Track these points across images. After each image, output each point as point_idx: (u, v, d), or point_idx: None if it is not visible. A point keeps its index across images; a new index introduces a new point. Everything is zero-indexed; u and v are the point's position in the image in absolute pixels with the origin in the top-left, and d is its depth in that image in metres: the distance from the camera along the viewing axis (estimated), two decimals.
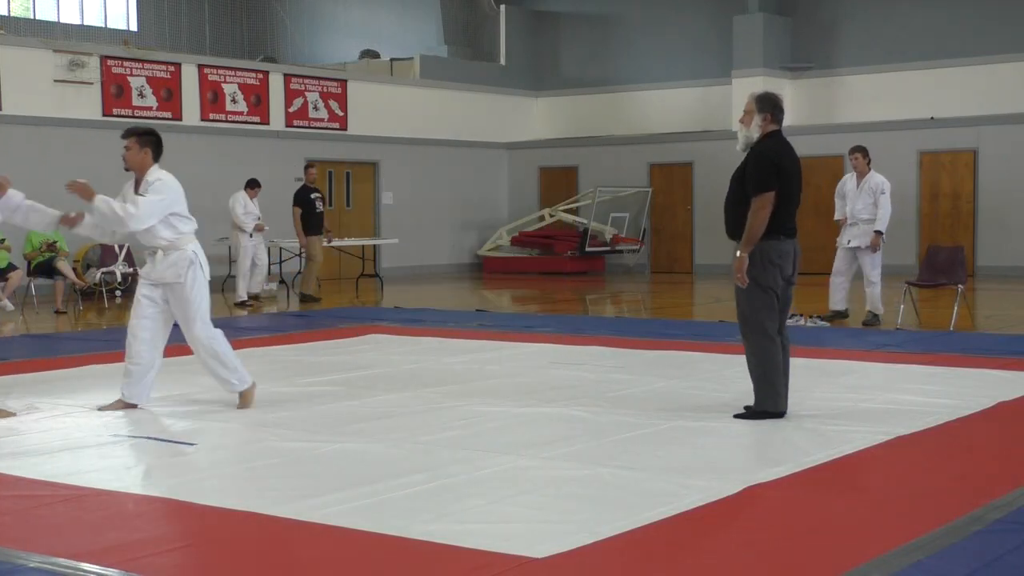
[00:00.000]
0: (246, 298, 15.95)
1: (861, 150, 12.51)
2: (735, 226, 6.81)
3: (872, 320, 12.19)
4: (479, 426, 6.80)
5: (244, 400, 7.47)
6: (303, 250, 16.75)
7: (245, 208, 16.40)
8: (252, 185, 16.58)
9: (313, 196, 16.35)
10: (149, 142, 7.40)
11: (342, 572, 4.23)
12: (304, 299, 16.20)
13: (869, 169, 12.46)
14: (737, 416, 6.84)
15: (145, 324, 7.48)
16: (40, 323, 13.25)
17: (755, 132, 6.80)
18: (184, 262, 7.36)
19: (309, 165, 17.02)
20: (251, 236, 16.36)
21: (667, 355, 9.86)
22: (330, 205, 21.60)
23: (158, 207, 7.30)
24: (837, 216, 12.58)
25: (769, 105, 6.82)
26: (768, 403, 6.80)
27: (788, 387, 6.90)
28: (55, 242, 15.04)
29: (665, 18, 23.57)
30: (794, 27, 22.28)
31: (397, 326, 12.51)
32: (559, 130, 24.81)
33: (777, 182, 6.67)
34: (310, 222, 16.27)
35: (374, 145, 22.10)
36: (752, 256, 6.67)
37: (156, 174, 7.37)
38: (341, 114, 21.74)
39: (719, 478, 5.36)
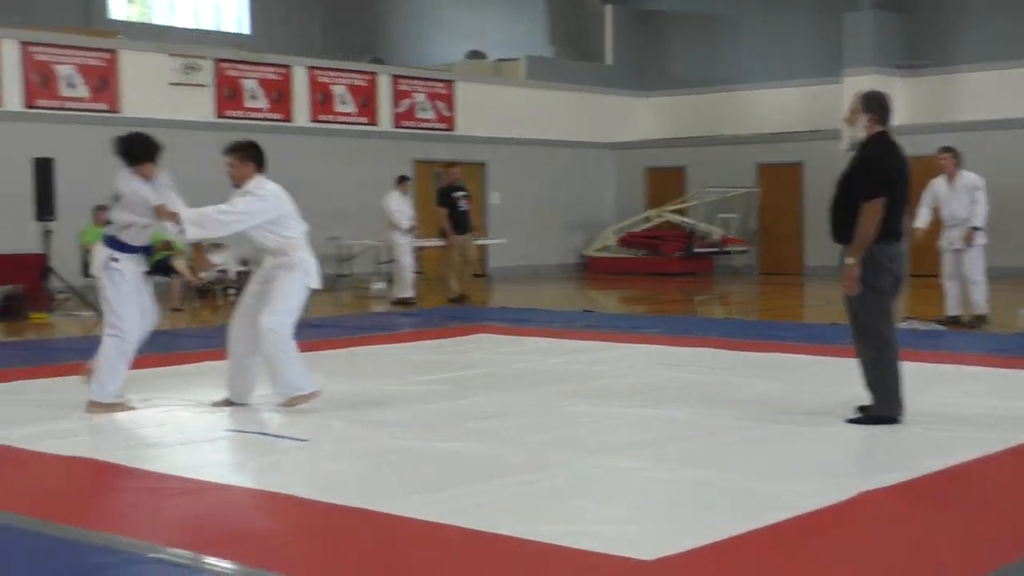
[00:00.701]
0: (410, 295, 15.64)
1: (951, 150, 12.21)
2: (840, 230, 6.68)
3: (976, 322, 11.90)
4: (586, 427, 6.80)
5: (289, 402, 7.34)
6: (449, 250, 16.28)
7: (399, 208, 15.98)
8: (401, 180, 16.29)
9: (456, 195, 16.04)
10: (250, 155, 7.48)
11: (450, 570, 4.26)
12: (454, 300, 15.71)
13: (958, 169, 12.12)
14: (850, 420, 6.71)
15: (241, 321, 7.58)
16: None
17: (860, 132, 6.66)
18: (287, 266, 7.44)
19: (451, 164, 16.71)
20: (404, 235, 15.90)
21: (776, 358, 9.74)
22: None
23: (251, 210, 7.32)
24: (919, 223, 12.01)
25: (876, 105, 6.66)
26: (885, 408, 6.65)
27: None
28: (170, 241, 15.39)
29: (773, 16, 23.29)
30: (907, 23, 21.83)
31: (504, 326, 12.56)
32: (666, 130, 24.66)
33: (886, 188, 6.53)
34: (457, 221, 15.94)
35: (481, 145, 22.20)
36: (864, 261, 6.53)
37: (257, 182, 7.44)
38: (448, 114, 21.90)
39: (829, 483, 5.28)
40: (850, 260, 6.53)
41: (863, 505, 5.00)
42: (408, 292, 15.70)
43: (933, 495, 5.27)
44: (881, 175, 6.54)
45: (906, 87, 21.46)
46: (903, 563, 4.26)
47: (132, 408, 7.39)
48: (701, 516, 4.79)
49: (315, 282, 7.55)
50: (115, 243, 7.38)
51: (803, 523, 4.72)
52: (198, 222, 7.20)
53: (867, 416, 6.70)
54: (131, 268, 7.40)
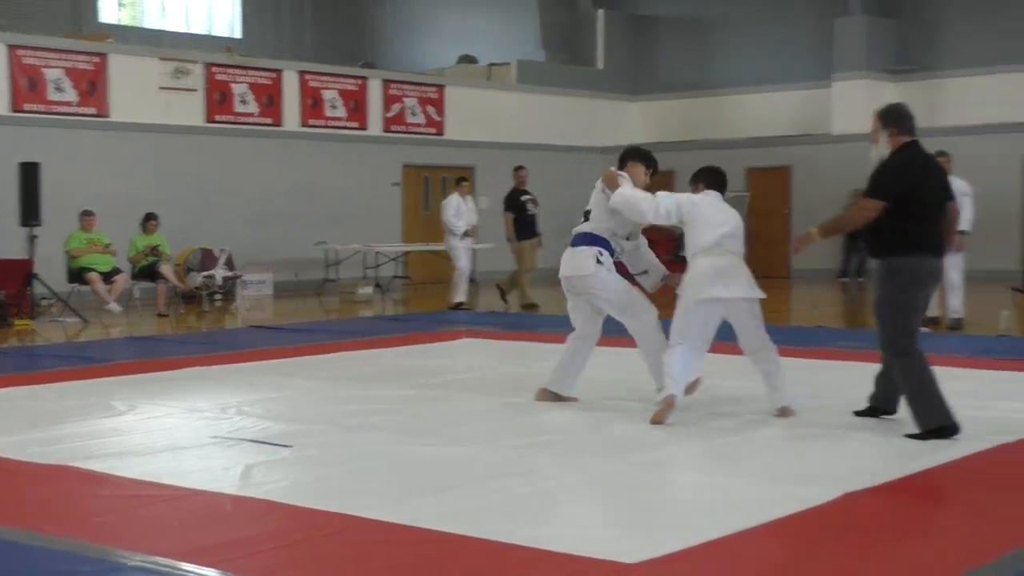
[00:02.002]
0: (463, 300, 15.37)
1: (945, 155, 12.29)
2: (874, 245, 6.57)
3: (956, 324, 11.96)
4: (574, 431, 6.78)
5: (657, 415, 7.01)
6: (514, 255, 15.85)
7: (457, 211, 15.55)
8: (459, 183, 15.93)
9: (524, 199, 15.66)
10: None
11: (435, 575, 4.24)
12: (526, 307, 15.29)
13: (950, 173, 12.20)
14: (909, 436, 6.35)
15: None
16: (143, 325, 13.53)
17: (884, 148, 6.53)
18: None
19: (519, 168, 16.20)
20: (461, 238, 15.60)
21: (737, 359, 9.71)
22: (426, 210, 21.77)
23: (669, 204, 7.60)
24: None
25: (893, 118, 6.56)
26: (932, 419, 6.31)
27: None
28: (157, 246, 15.36)
29: (764, 21, 23.32)
30: (898, 29, 21.87)
31: (492, 330, 12.54)
32: (656, 134, 24.66)
33: (893, 194, 6.37)
34: (523, 226, 15.55)
35: (471, 150, 22.19)
36: (899, 274, 6.38)
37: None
38: (438, 119, 21.89)
39: (815, 485, 5.28)
40: (812, 229, 6.66)
41: (848, 506, 5.00)
42: (461, 296, 15.36)
43: (916, 496, 5.27)
44: (885, 179, 6.45)
45: (896, 92, 21.47)
46: (883, 564, 4.25)
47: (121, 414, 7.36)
48: (684, 519, 4.78)
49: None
50: None
51: (785, 525, 4.72)
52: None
53: (923, 433, 6.35)
54: None
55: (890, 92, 21.26)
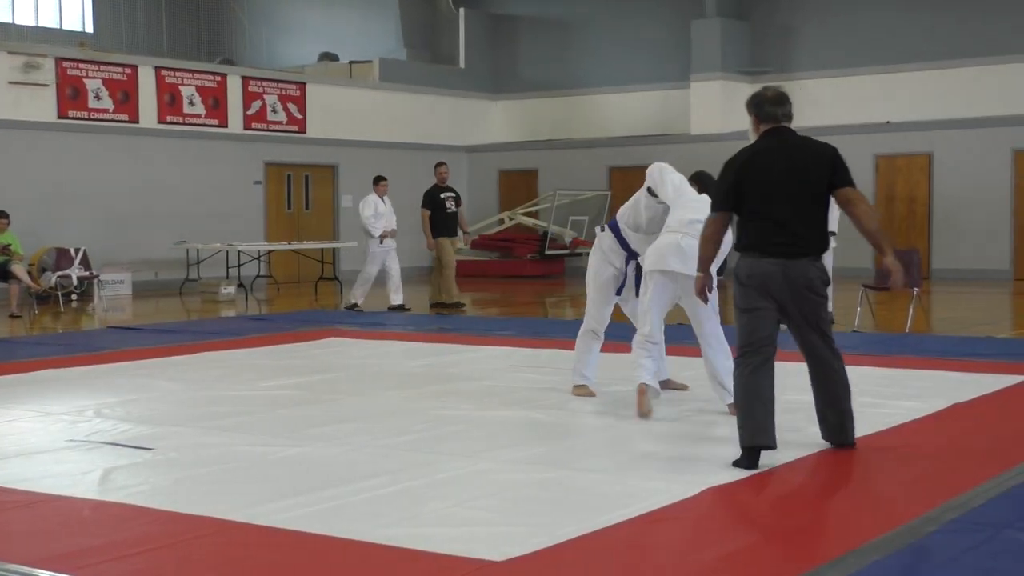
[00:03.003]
0: (359, 302, 14.79)
1: None
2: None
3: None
4: (440, 429, 6.79)
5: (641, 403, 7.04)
6: (433, 254, 15.56)
7: (376, 210, 14.96)
8: (377, 181, 15.30)
9: (444, 196, 15.23)
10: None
11: None
12: (442, 306, 15.03)
13: None
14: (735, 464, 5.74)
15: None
16: None
17: (752, 138, 6.12)
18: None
19: (439, 163, 15.78)
20: (381, 242, 14.91)
21: (623, 357, 9.86)
22: (288, 208, 21.54)
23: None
24: None
25: (752, 106, 6.09)
26: (743, 437, 5.75)
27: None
28: (8, 245, 14.88)
29: (623, 22, 23.64)
30: (751, 31, 22.42)
31: (356, 329, 12.47)
32: (518, 133, 24.82)
33: (729, 200, 5.90)
34: (441, 224, 15.18)
35: (333, 148, 22.02)
36: (735, 277, 5.92)
37: None
38: (300, 117, 21.66)
39: (678, 480, 5.38)
40: (698, 274, 6.10)
41: (709, 500, 5.10)
42: (359, 298, 14.84)
43: (777, 489, 5.40)
44: (719, 184, 6.04)
45: (751, 92, 21.97)
46: (748, 553, 4.36)
47: None
48: (551, 516, 4.82)
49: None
50: None
51: (650, 519, 4.80)
52: None
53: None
54: None
55: (745, 93, 21.46)
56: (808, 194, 5.85)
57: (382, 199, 15.12)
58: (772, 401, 5.80)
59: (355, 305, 14.88)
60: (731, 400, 6.80)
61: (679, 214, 7.31)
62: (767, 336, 5.85)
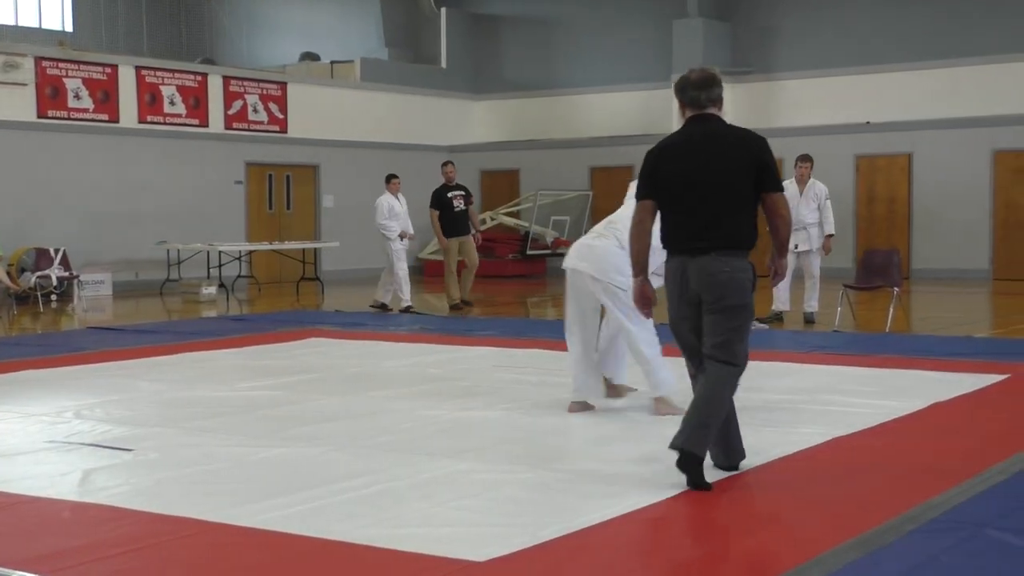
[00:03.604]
0: (409, 300, 14.62)
1: (810, 160, 12.90)
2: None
3: (812, 318, 12.47)
4: (420, 430, 6.78)
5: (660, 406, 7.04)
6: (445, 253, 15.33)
7: (391, 210, 14.79)
8: (389, 180, 15.12)
9: (451, 195, 15.02)
10: None
11: None
12: (455, 307, 14.90)
13: (811, 177, 12.84)
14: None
15: None
16: None
17: (677, 126, 5.70)
18: None
19: (446, 162, 15.63)
20: (402, 239, 14.80)
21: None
22: (270, 208, 21.48)
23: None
24: None
25: (677, 90, 5.59)
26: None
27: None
28: None
29: (606, 22, 23.67)
30: (733, 32, 22.47)
31: (338, 330, 12.45)
32: (500, 133, 24.81)
33: (646, 190, 5.47)
34: (450, 223, 14.99)
35: (314, 148, 21.98)
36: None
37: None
38: (281, 117, 21.61)
39: (659, 480, 5.38)
40: (633, 280, 5.61)
41: (691, 499, 5.11)
42: (405, 299, 14.64)
43: (757, 489, 5.41)
44: (640, 174, 5.57)
45: (733, 93, 22.04)
46: (729, 551, 4.36)
47: None
48: (533, 516, 4.82)
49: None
50: None
51: (631, 520, 4.80)
52: None
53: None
54: None
55: (727, 93, 21.72)
56: (724, 190, 5.31)
57: (396, 197, 14.99)
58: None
59: (410, 307, 14.60)
60: (660, 393, 7.00)
61: (608, 218, 7.39)
62: (690, 347, 5.47)
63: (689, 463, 5.17)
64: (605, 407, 7.32)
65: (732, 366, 5.35)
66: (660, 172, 5.42)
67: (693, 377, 5.55)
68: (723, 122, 5.53)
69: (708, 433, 5.26)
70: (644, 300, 5.54)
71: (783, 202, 5.49)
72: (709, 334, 5.34)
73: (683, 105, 5.53)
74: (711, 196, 5.31)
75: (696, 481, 5.18)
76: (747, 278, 5.33)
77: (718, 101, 5.55)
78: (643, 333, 7.04)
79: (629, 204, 7.01)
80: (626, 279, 6.59)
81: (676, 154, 5.42)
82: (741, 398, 7.28)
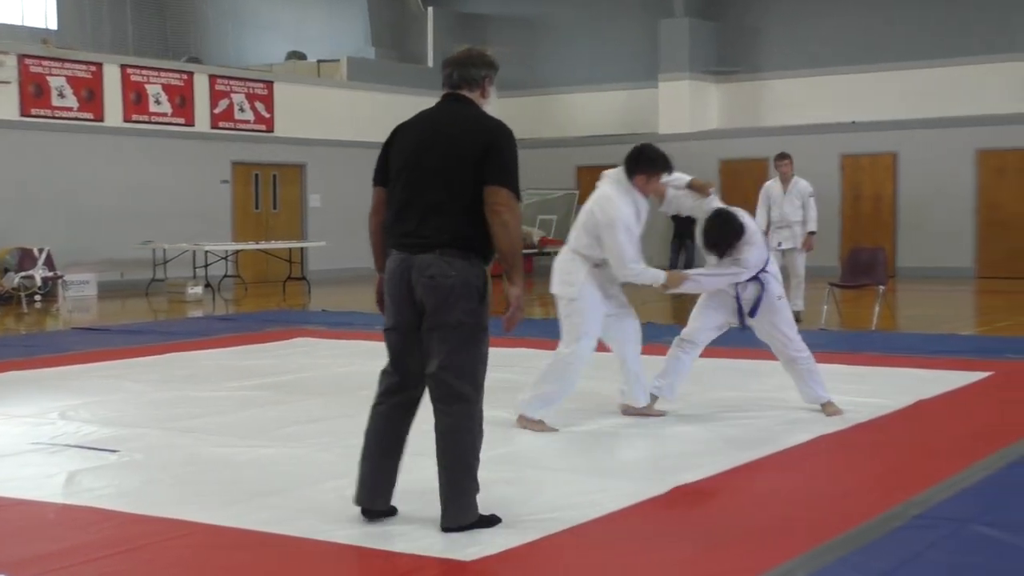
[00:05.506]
0: None
1: (789, 157, 12.90)
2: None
3: (797, 316, 12.46)
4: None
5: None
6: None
7: None
8: None
9: None
10: None
11: None
12: None
13: (793, 174, 12.86)
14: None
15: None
16: None
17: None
18: None
19: None
20: None
21: (597, 356, 9.86)
22: (256, 207, 21.45)
23: None
24: (760, 226, 12.53)
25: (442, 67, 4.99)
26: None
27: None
28: None
29: (592, 21, 23.69)
30: (720, 31, 22.50)
31: (324, 329, 12.43)
32: None
33: (378, 175, 4.93)
34: None
35: (301, 147, 21.94)
36: None
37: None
38: (267, 116, 21.57)
39: (644, 479, 5.40)
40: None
41: (677, 498, 5.12)
42: None
43: (744, 487, 5.42)
44: (379, 156, 4.96)
45: (719, 93, 22.12)
46: (715, 551, 4.37)
47: None
48: (519, 515, 4.82)
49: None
50: None
51: (619, 518, 4.81)
52: None
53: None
54: None
55: (713, 93, 21.89)
56: (447, 178, 4.63)
57: None
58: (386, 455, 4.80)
59: None
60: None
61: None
62: (403, 367, 4.79)
63: (474, 528, 4.55)
64: (611, 410, 7.32)
65: (463, 403, 4.67)
66: (390, 154, 4.84)
67: (377, 405, 4.94)
68: (472, 106, 4.90)
69: (468, 498, 4.59)
70: (378, 297, 4.86)
71: (505, 200, 4.65)
72: (431, 354, 4.63)
73: (444, 82, 4.88)
74: (436, 187, 4.64)
75: (493, 522, 4.63)
76: (477, 286, 4.66)
77: (476, 84, 4.91)
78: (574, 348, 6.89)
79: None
80: (565, 287, 6.77)
81: (407, 135, 4.83)
82: (727, 397, 7.31)
